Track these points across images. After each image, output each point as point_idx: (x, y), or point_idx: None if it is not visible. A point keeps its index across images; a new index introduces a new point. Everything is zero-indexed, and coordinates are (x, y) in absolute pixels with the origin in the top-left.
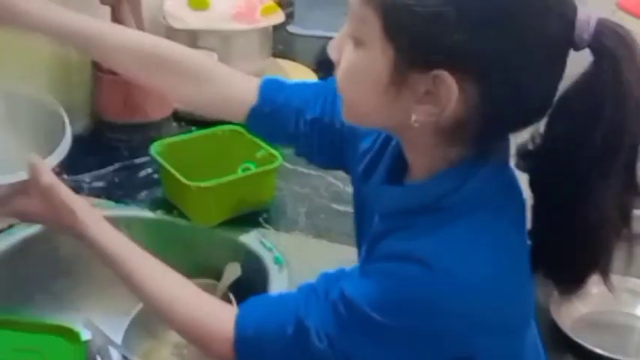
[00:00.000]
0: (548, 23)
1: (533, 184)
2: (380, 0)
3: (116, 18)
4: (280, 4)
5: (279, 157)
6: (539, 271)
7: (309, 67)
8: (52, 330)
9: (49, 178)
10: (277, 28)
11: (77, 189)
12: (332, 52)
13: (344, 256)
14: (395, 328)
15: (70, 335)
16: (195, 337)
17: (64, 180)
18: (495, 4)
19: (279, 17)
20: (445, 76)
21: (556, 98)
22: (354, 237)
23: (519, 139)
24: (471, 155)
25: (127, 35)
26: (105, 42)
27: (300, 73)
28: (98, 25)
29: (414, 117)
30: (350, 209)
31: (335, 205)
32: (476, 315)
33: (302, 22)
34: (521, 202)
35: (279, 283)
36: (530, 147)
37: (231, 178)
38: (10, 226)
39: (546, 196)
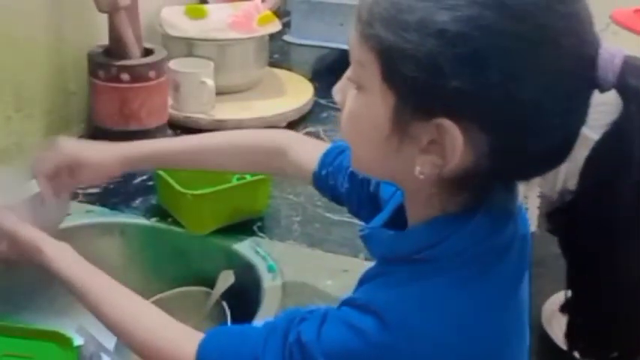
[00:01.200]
0: (562, 63)
1: (564, 248)
2: (377, 44)
3: (113, 25)
4: (277, 14)
5: None
6: (578, 351)
7: (305, 76)
8: (44, 336)
9: (9, 222)
10: (274, 38)
11: (72, 195)
12: (336, 96)
13: (337, 265)
14: None
15: (63, 341)
16: (153, 352)
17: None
18: (496, 46)
19: (275, 26)
20: (448, 125)
21: (589, 153)
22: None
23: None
24: (467, 205)
25: (214, 141)
26: (194, 159)
27: (296, 83)
28: (186, 143)
29: (418, 169)
30: (344, 218)
31: (329, 215)
32: None
33: (298, 31)
34: (518, 269)
35: (272, 292)
36: (559, 205)
37: (225, 186)
38: None
39: (577, 261)
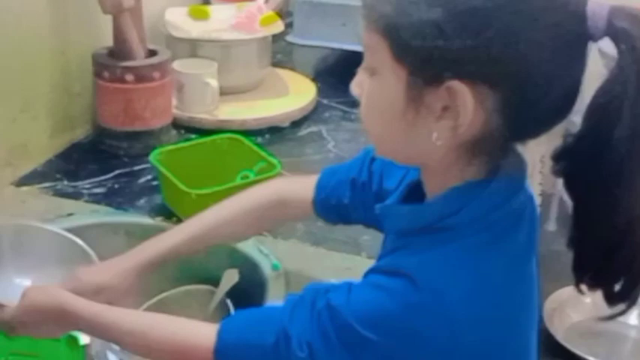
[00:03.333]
0: (555, 19)
1: (569, 187)
2: (382, 24)
3: (118, 27)
4: (280, 15)
5: (278, 166)
6: (585, 283)
7: (307, 76)
8: None
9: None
10: (276, 38)
11: (77, 195)
12: (354, 90)
13: (341, 263)
14: (374, 342)
15: (69, 339)
16: (175, 355)
17: None
18: (493, 5)
19: (278, 27)
20: (457, 85)
21: (590, 98)
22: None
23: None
24: (484, 172)
25: (216, 218)
26: (207, 237)
27: (298, 83)
28: (190, 233)
29: (435, 135)
30: None
31: None
32: (453, 344)
33: (301, 32)
34: (531, 237)
35: (276, 290)
36: (563, 147)
37: (229, 185)
38: None
39: (584, 198)
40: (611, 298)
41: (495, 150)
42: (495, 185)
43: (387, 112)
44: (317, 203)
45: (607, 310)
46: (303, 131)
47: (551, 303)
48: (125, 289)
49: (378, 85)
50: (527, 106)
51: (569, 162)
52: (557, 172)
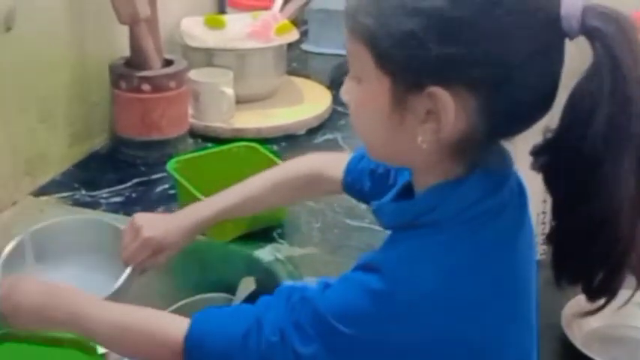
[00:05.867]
0: (529, 21)
1: (548, 182)
2: (364, 32)
3: (134, 37)
4: (295, 23)
5: None
6: (565, 280)
7: (322, 84)
8: (68, 343)
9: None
10: (291, 46)
11: (95, 204)
12: (343, 97)
13: None
14: (346, 335)
15: (87, 348)
16: (147, 343)
17: None
18: (466, 12)
19: (293, 36)
20: (437, 91)
21: (568, 94)
22: None
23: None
24: (467, 170)
25: (257, 186)
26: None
27: (314, 91)
28: (236, 197)
29: (420, 138)
30: (363, 224)
31: (349, 221)
32: (420, 334)
33: (316, 40)
34: (514, 227)
35: None
36: (542, 143)
37: None
38: None
39: (562, 192)
40: (590, 292)
41: (478, 148)
42: (472, 181)
43: (374, 117)
44: (345, 185)
45: (625, 317)
46: (319, 139)
47: (569, 309)
48: (180, 247)
49: (364, 92)
50: (508, 107)
51: (548, 157)
52: (536, 168)
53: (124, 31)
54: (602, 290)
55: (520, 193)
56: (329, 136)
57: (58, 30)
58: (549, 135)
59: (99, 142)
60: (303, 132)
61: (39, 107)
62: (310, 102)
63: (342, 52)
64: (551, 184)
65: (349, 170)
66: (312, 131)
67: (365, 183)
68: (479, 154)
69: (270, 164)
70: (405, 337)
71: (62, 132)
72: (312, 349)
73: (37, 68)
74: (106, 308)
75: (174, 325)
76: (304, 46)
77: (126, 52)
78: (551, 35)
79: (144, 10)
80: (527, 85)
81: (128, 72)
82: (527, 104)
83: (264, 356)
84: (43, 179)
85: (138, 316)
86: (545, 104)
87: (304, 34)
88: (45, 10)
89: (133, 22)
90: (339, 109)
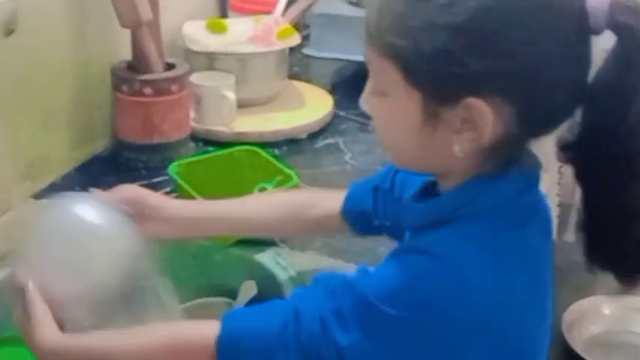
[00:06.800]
0: (559, 24)
1: (578, 175)
2: (392, 51)
3: (136, 41)
4: (296, 27)
5: (295, 178)
6: (597, 266)
7: (324, 88)
8: None
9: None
10: (293, 51)
11: None
12: (364, 106)
13: None
14: (391, 317)
15: None
16: (176, 351)
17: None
18: (498, 24)
19: (295, 40)
20: (475, 102)
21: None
22: None
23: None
24: (500, 167)
25: (254, 207)
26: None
27: (315, 95)
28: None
29: (456, 147)
30: None
31: None
32: (469, 318)
33: (318, 44)
34: (544, 235)
35: None
36: (570, 137)
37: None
38: None
39: (593, 184)
40: (622, 279)
41: (512, 148)
42: (510, 177)
43: (404, 130)
44: (344, 210)
45: (625, 323)
46: (320, 143)
47: (570, 315)
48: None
49: (390, 106)
50: (541, 108)
51: (577, 150)
52: (564, 160)
53: (126, 34)
54: (634, 277)
55: (545, 202)
56: (330, 140)
57: (60, 33)
58: (577, 130)
59: (100, 145)
60: (304, 136)
61: (40, 110)
62: (312, 106)
63: (344, 56)
64: (580, 176)
65: (348, 197)
66: (314, 135)
67: (367, 202)
68: (513, 153)
69: (271, 168)
70: (450, 317)
71: (63, 135)
72: (353, 338)
73: (38, 71)
74: (122, 338)
75: (200, 331)
76: (306, 51)
77: (128, 55)
78: (580, 35)
79: (146, 13)
80: (559, 85)
81: (130, 75)
82: (559, 103)
83: (305, 347)
84: (44, 182)
85: (159, 334)
86: (576, 101)
87: (306, 39)
88: (47, 13)
89: (135, 26)
90: (341, 113)
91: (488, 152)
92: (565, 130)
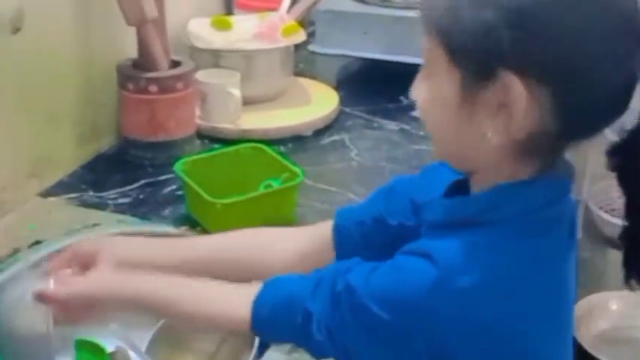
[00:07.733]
0: (605, 16)
1: (622, 181)
2: (436, 28)
3: (141, 38)
4: (302, 24)
5: (301, 174)
6: (635, 278)
7: (329, 85)
8: (75, 344)
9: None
10: (298, 47)
11: (103, 206)
12: (412, 93)
13: None
14: (388, 322)
15: (94, 348)
16: (213, 322)
17: None
18: (544, 4)
19: (300, 37)
20: (512, 81)
21: None
22: None
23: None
24: (534, 173)
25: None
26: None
27: (321, 92)
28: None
29: (489, 133)
30: None
31: None
32: (467, 326)
33: (323, 41)
34: (568, 241)
35: None
36: (617, 143)
37: (254, 195)
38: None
39: (636, 193)
40: None
41: (547, 150)
42: (541, 185)
43: (444, 112)
44: (336, 230)
45: (633, 318)
46: (326, 140)
47: (577, 310)
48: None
49: (432, 86)
50: (580, 105)
51: (623, 158)
52: (610, 168)
53: (132, 32)
54: None
55: (574, 207)
56: (336, 137)
57: (66, 31)
58: (625, 135)
59: (106, 143)
60: (310, 133)
61: (46, 108)
62: (317, 103)
63: (349, 53)
64: (625, 184)
65: (341, 215)
66: (319, 132)
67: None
68: (548, 156)
69: (277, 165)
70: (448, 324)
71: (69, 133)
72: (360, 342)
73: (43, 70)
74: (164, 282)
75: (236, 307)
76: (311, 47)
77: (133, 53)
78: (629, 33)
79: (151, 11)
80: (602, 83)
81: (135, 73)
82: (600, 104)
83: (320, 347)
84: (51, 181)
85: (197, 290)
86: (619, 106)
87: (311, 35)
88: (52, 11)
89: (140, 24)
90: (346, 110)
91: (521, 149)
92: (613, 135)
